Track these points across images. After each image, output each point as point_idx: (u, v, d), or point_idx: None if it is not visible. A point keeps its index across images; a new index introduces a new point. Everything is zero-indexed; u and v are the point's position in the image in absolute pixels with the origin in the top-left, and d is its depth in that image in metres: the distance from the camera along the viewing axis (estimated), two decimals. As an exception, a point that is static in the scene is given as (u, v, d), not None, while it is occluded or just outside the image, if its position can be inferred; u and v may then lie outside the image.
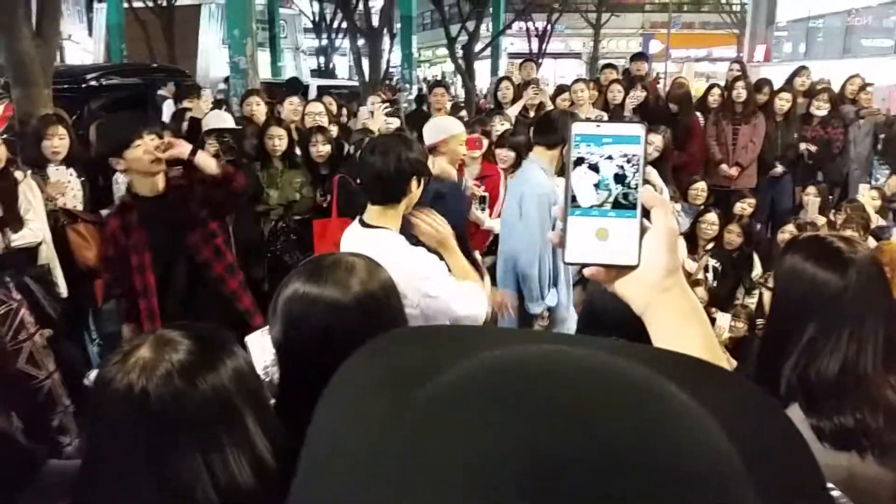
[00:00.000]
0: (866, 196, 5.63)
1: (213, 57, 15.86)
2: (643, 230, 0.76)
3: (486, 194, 4.30)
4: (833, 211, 5.50)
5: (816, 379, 1.43)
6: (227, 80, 9.15)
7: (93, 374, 2.89)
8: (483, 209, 4.26)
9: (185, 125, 5.27)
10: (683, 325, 0.75)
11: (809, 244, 1.53)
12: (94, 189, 4.39)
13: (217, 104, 6.58)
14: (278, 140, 4.59)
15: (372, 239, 2.25)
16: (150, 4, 15.78)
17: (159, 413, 1.05)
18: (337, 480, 0.34)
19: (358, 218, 2.42)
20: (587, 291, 1.49)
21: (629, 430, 0.31)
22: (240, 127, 4.86)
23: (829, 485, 1.21)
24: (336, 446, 0.36)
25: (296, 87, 8.40)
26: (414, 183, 2.33)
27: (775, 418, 0.42)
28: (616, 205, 0.76)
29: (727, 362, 0.76)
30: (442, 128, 3.76)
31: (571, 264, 0.78)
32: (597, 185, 0.76)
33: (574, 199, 0.77)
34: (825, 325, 1.43)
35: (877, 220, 5.44)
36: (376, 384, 0.38)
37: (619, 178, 0.76)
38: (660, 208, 0.76)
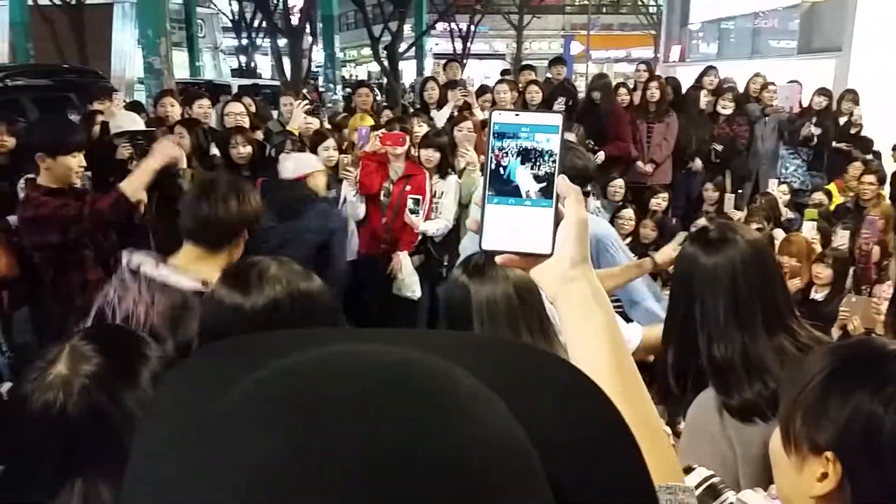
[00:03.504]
0: (776, 191, 5.92)
1: (128, 58, 15.38)
2: (558, 219, 0.77)
3: (420, 197, 4.30)
4: (747, 205, 5.77)
5: (721, 359, 1.52)
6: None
7: (4, 386, 2.77)
8: (417, 212, 4.26)
9: (96, 129, 5.05)
10: (584, 312, 0.76)
11: (697, 233, 1.72)
12: (-2, 195, 4.19)
13: (131, 107, 6.36)
14: (179, 140, 4.42)
15: None
16: (58, 2, 15.07)
17: (78, 431, 1.01)
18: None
19: None
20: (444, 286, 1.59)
21: (401, 424, 0.33)
22: (152, 129, 4.68)
23: (682, 484, 1.26)
24: (148, 468, 0.38)
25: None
26: None
27: (580, 391, 0.43)
28: (532, 193, 0.76)
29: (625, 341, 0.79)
30: (303, 164, 3.97)
31: (487, 252, 0.78)
32: (514, 174, 0.77)
33: (491, 186, 0.77)
34: (709, 305, 1.56)
35: (786, 213, 5.73)
36: (179, 403, 0.41)
37: (537, 167, 0.76)
38: (573, 198, 0.77)
